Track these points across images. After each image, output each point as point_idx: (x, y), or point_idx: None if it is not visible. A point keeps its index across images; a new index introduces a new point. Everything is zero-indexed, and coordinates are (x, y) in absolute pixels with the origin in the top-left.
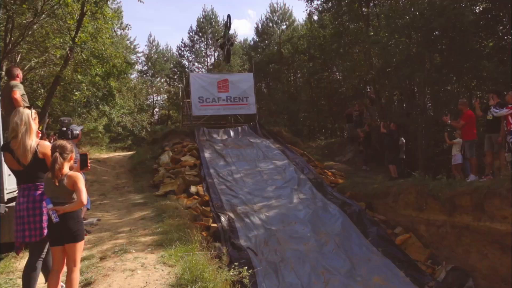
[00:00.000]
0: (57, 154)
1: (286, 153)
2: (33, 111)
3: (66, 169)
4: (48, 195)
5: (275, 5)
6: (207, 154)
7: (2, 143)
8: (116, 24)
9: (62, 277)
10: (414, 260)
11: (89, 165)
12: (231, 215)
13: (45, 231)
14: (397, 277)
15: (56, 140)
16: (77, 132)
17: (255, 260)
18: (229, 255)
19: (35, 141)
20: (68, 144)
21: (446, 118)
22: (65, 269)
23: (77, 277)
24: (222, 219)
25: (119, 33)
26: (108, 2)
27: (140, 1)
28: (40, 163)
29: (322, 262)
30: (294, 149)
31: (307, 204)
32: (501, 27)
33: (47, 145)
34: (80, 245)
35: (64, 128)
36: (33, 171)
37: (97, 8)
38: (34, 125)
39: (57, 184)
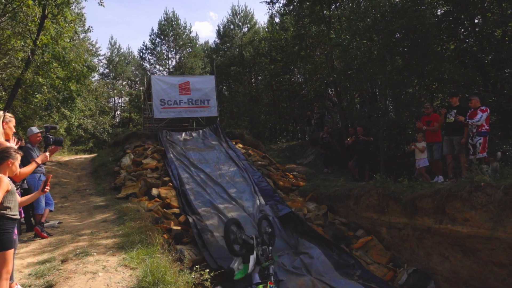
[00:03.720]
0: None
1: (245, 156)
2: (8, 114)
3: None
4: None
5: (236, 7)
6: (170, 156)
7: None
8: (78, 27)
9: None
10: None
11: (47, 189)
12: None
13: None
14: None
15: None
16: (60, 138)
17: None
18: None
19: None
20: (10, 150)
21: (420, 125)
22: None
23: None
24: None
25: (81, 36)
26: (72, 6)
27: (100, 4)
28: None
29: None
30: (255, 151)
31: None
32: (462, 30)
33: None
34: (3, 255)
35: (45, 135)
36: None
37: (58, 11)
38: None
39: None
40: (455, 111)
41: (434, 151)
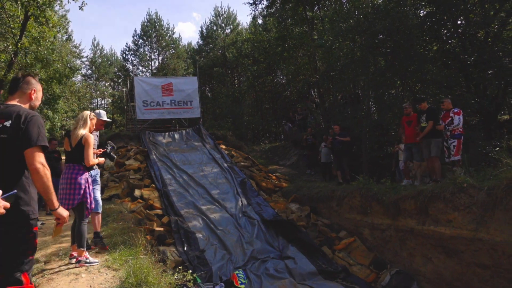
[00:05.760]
0: None
1: (228, 157)
2: (91, 113)
3: None
4: None
5: (219, 8)
6: (153, 158)
7: None
8: (62, 29)
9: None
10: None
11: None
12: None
13: (76, 202)
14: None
15: None
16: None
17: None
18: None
19: (85, 132)
20: None
21: (402, 141)
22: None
23: None
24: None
25: (64, 38)
26: (55, 7)
27: (81, 9)
28: (81, 148)
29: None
30: (238, 153)
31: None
32: (445, 31)
33: (88, 135)
34: None
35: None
36: (75, 153)
37: (39, 12)
38: (89, 122)
39: None
40: (425, 115)
41: (414, 153)
